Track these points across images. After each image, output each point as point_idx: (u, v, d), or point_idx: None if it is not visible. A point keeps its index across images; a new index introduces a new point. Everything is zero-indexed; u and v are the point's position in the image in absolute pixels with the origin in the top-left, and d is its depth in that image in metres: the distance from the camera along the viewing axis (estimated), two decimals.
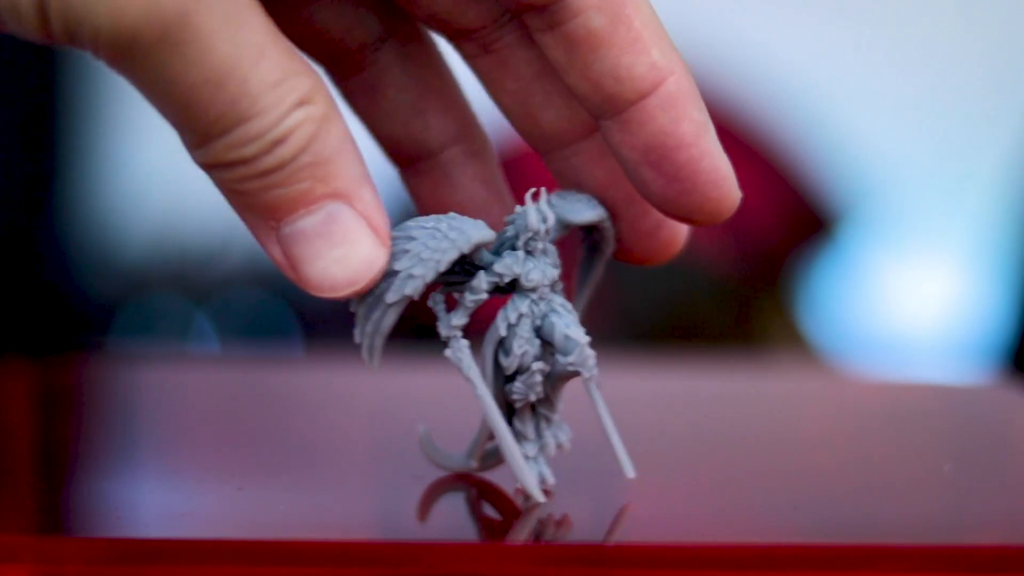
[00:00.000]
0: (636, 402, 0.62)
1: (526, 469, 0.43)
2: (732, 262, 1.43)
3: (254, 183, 0.41)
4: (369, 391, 0.67)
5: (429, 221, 0.43)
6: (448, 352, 0.43)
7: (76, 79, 1.59)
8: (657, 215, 0.45)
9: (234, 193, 0.41)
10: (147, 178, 1.60)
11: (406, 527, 0.44)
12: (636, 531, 0.43)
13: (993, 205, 1.53)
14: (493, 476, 0.45)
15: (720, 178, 0.43)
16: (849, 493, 0.48)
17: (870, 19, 1.65)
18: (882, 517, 0.45)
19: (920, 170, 1.63)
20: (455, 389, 0.48)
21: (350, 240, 0.41)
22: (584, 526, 0.43)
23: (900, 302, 1.61)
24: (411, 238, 0.43)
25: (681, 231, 0.46)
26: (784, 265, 1.48)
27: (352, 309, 0.43)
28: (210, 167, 0.41)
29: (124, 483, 0.49)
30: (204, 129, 0.40)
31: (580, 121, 0.45)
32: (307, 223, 0.41)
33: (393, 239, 0.42)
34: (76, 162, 1.60)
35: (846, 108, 1.61)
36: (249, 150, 0.40)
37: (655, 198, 0.44)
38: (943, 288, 1.60)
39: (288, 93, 0.40)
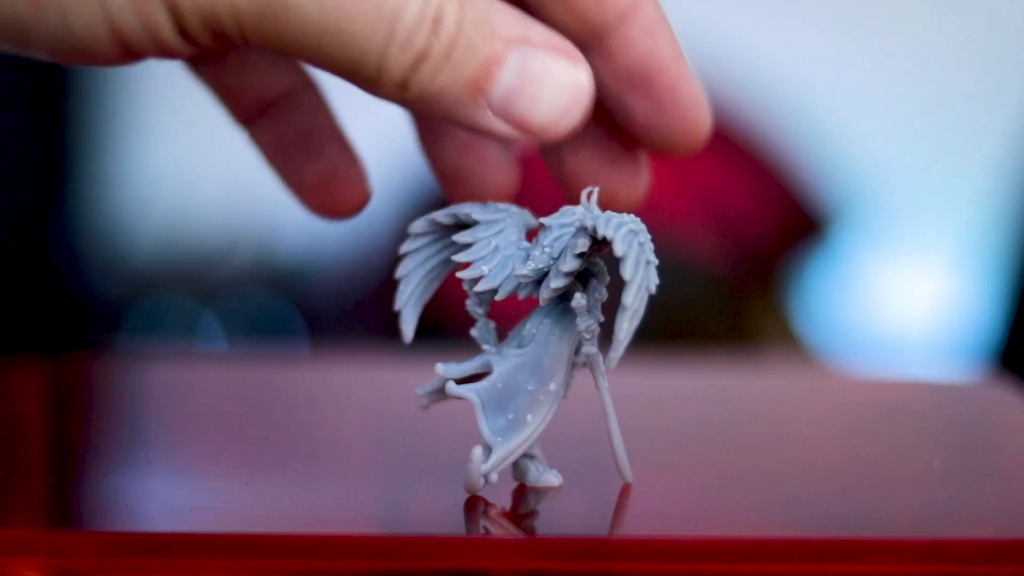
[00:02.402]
0: (633, 400, 0.62)
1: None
2: (726, 263, 1.43)
3: (445, 73, 0.41)
4: (374, 388, 0.67)
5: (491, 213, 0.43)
6: (590, 348, 0.43)
7: (86, 84, 1.59)
8: (684, 93, 0.45)
9: (436, 97, 0.41)
10: (155, 181, 1.60)
11: (411, 521, 0.44)
12: (634, 525, 0.43)
13: (982, 206, 1.53)
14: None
15: (698, 99, 0.45)
16: (841, 488, 0.48)
17: (861, 24, 1.65)
18: (874, 511, 0.45)
19: (910, 172, 1.63)
20: None
21: (550, 72, 0.42)
22: (584, 520, 0.43)
23: (891, 301, 1.61)
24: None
25: (703, 112, 0.46)
26: (777, 266, 1.48)
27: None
28: (402, 86, 0.41)
29: (134, 478, 0.49)
30: (370, 45, 0.40)
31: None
32: (507, 79, 0.41)
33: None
34: (86, 165, 1.60)
35: (838, 112, 1.61)
36: (420, 40, 0.40)
37: (638, 127, 0.44)
38: (933, 288, 1.60)
39: None
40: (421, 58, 0.41)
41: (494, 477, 0.43)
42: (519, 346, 0.44)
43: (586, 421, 0.45)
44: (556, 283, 0.43)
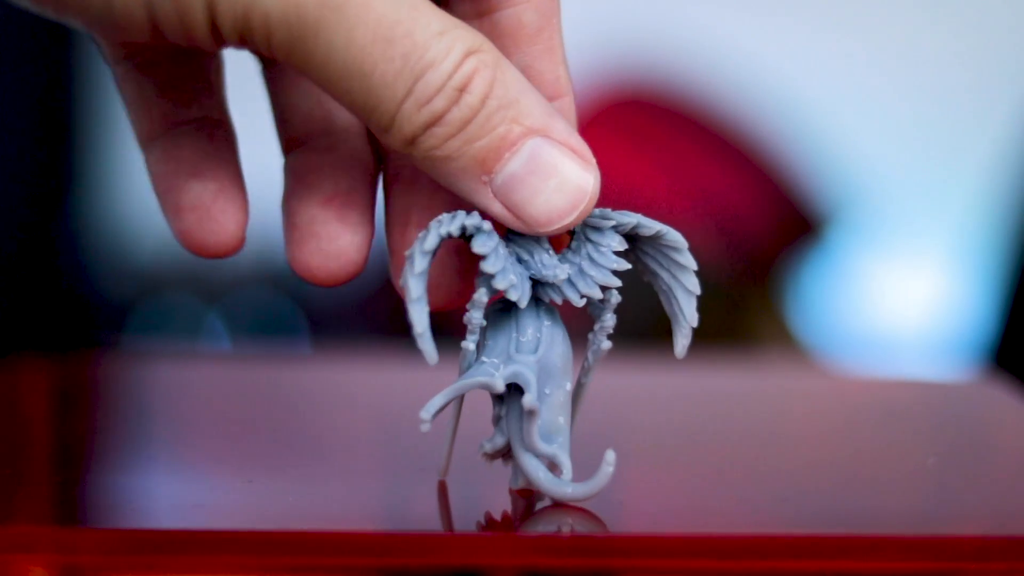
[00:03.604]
0: (630, 399, 0.62)
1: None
2: (723, 263, 1.43)
3: (455, 141, 0.41)
4: (375, 387, 0.67)
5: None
6: (608, 344, 0.44)
7: (91, 86, 1.59)
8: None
9: (441, 162, 0.41)
10: None
11: (411, 518, 0.44)
12: (632, 522, 0.43)
13: (976, 207, 1.53)
14: (494, 473, 0.45)
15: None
16: (837, 486, 0.48)
17: (856, 25, 1.65)
18: (869, 508, 0.45)
19: (905, 173, 1.63)
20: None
21: (559, 170, 0.41)
22: (583, 517, 0.43)
23: (886, 301, 1.61)
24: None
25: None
26: (774, 265, 1.48)
27: None
28: (410, 141, 0.41)
29: (138, 476, 0.49)
30: (389, 93, 0.40)
31: None
32: (515, 166, 0.41)
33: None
34: (92, 167, 1.60)
35: (833, 113, 1.60)
36: (438, 104, 0.40)
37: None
38: (928, 287, 1.60)
39: (454, 43, 0.40)
40: (435, 121, 0.40)
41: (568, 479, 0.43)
42: (526, 352, 0.43)
43: (584, 420, 0.45)
44: (609, 281, 0.43)
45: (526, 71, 0.43)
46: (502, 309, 0.44)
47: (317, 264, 0.45)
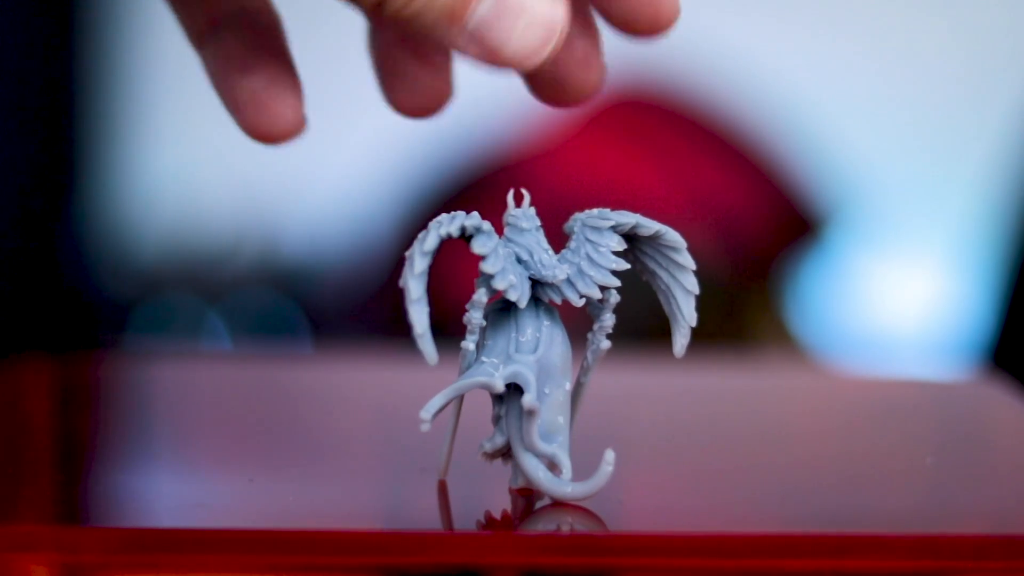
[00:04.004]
0: (630, 398, 0.62)
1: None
2: (722, 263, 1.43)
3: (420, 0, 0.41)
4: (375, 387, 0.67)
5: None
6: (607, 343, 0.44)
7: (93, 86, 1.59)
8: None
9: (412, 19, 0.41)
10: (161, 182, 1.60)
11: (411, 517, 0.44)
12: (630, 521, 0.43)
13: (974, 207, 1.53)
14: (494, 472, 0.45)
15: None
16: (835, 485, 0.48)
17: (854, 25, 1.65)
18: (867, 507, 0.45)
19: (903, 173, 1.63)
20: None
21: (527, 7, 0.42)
22: (581, 516, 0.43)
23: (884, 301, 1.61)
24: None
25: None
26: (772, 265, 1.48)
27: None
28: (377, 4, 0.41)
29: (140, 475, 0.49)
30: None
31: None
32: (483, 9, 0.41)
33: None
34: (93, 166, 1.60)
35: (832, 114, 1.60)
36: None
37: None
38: (925, 288, 1.60)
39: None
40: None
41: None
42: (525, 352, 0.43)
43: (583, 419, 0.45)
44: (608, 281, 0.43)
45: None
46: (502, 309, 0.44)
47: (264, 131, 0.46)
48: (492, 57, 0.42)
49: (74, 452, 0.53)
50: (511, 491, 0.44)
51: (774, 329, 1.47)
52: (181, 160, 1.61)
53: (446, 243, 0.43)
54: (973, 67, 1.62)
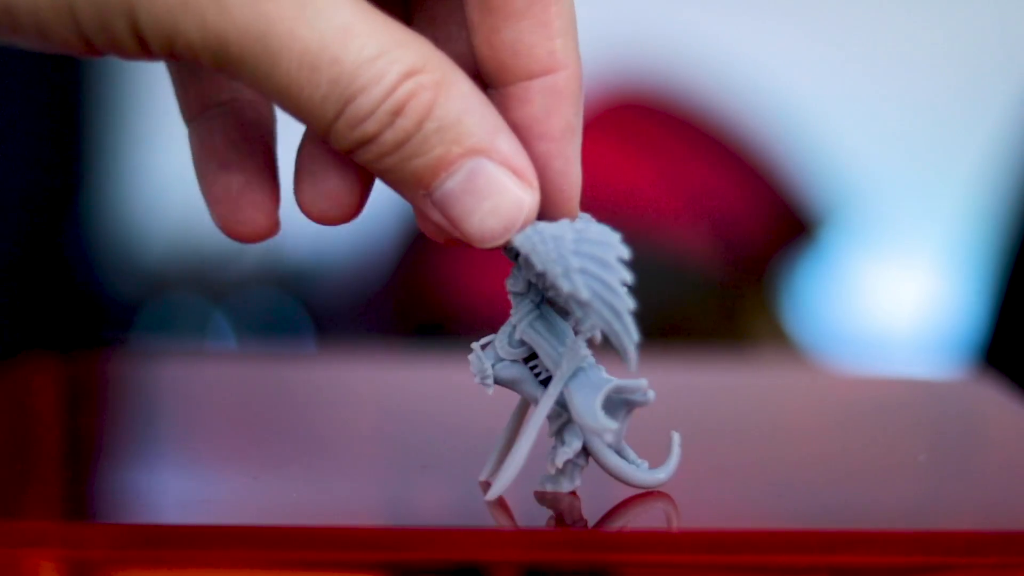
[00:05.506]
0: None
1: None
2: (718, 263, 1.43)
3: (391, 158, 0.40)
4: (378, 385, 0.67)
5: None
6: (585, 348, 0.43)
7: (100, 89, 1.59)
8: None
9: (380, 172, 0.41)
10: (167, 183, 1.60)
11: (414, 514, 0.44)
12: (630, 518, 0.43)
13: (967, 207, 1.53)
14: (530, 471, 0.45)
15: (566, 184, 0.42)
16: (830, 482, 0.48)
17: (848, 28, 1.65)
18: (861, 504, 0.45)
19: (898, 175, 1.63)
20: (458, 385, 0.48)
21: (496, 190, 0.41)
22: (582, 513, 0.43)
23: (879, 300, 1.61)
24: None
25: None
26: (769, 266, 1.48)
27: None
28: (348, 152, 0.40)
29: (146, 472, 0.49)
30: (318, 114, 0.40)
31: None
32: (452, 184, 0.41)
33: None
34: (100, 168, 1.60)
35: (827, 116, 1.61)
36: (369, 127, 0.40)
37: None
38: (919, 287, 1.60)
39: (390, 66, 0.39)
40: (368, 141, 0.40)
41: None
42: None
43: None
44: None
45: (515, 45, 0.42)
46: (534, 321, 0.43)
47: (234, 232, 0.45)
48: (452, 227, 0.41)
49: (81, 449, 0.53)
50: (511, 489, 0.44)
51: (770, 328, 1.47)
52: (187, 161, 1.61)
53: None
54: (967, 70, 1.62)
